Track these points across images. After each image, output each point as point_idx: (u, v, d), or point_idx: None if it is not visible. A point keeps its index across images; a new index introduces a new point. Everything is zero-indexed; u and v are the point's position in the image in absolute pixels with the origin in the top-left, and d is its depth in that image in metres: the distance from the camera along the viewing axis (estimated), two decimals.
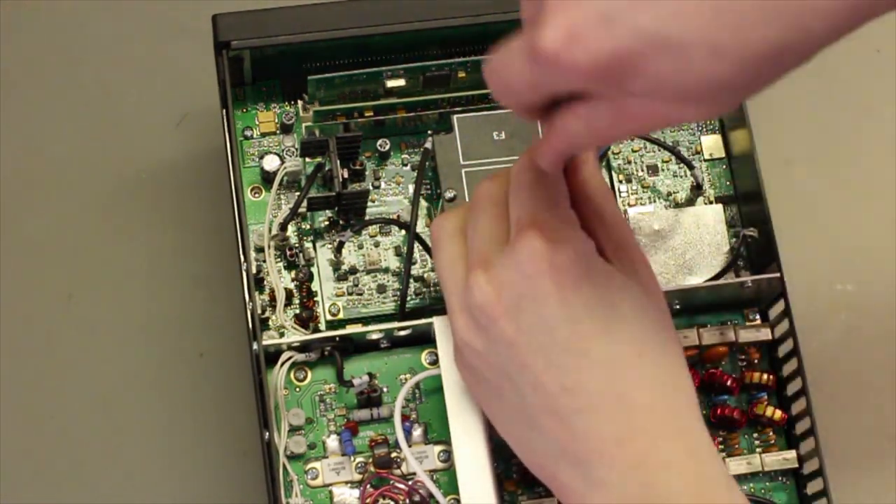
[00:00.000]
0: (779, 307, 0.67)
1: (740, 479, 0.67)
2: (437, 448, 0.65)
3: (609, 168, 0.70)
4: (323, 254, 0.68)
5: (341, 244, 0.67)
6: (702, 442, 0.54)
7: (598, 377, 0.54)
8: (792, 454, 0.66)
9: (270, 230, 0.67)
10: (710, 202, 0.70)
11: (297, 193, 0.68)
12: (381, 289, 0.68)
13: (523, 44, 0.48)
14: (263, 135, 0.69)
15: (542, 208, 0.55)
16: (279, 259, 0.67)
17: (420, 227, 0.68)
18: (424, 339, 0.65)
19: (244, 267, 0.64)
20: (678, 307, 0.67)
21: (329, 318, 0.67)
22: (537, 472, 0.57)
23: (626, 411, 0.53)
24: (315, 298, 0.67)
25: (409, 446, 0.64)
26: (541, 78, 0.48)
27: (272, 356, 0.64)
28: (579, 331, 0.54)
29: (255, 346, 0.63)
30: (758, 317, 0.69)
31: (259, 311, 0.66)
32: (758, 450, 0.67)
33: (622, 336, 0.54)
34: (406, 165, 0.70)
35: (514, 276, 0.54)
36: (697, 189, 0.70)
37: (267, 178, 0.68)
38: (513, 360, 0.55)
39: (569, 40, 0.45)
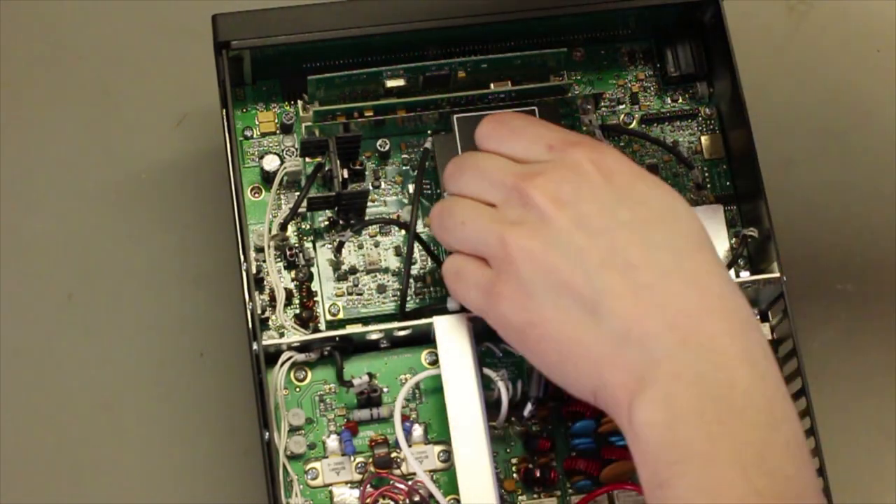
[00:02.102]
0: (779, 307, 0.67)
1: None
2: (437, 448, 0.65)
3: None
4: (323, 254, 0.68)
5: (341, 244, 0.67)
6: (771, 357, 0.56)
7: (664, 257, 0.56)
8: None
9: (270, 230, 0.67)
10: (710, 202, 0.70)
11: (297, 193, 0.68)
12: (381, 289, 0.68)
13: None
14: (263, 135, 0.69)
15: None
16: (279, 259, 0.67)
17: (420, 227, 0.68)
18: (424, 339, 0.65)
19: (244, 267, 0.64)
20: None
21: (329, 318, 0.67)
22: (587, 374, 0.57)
23: (697, 291, 0.55)
24: (315, 298, 0.67)
25: (409, 446, 0.64)
26: None
27: (272, 356, 0.64)
28: (640, 214, 0.57)
29: (255, 346, 0.63)
30: (758, 317, 0.69)
31: (259, 311, 0.66)
32: None
33: (680, 228, 0.57)
34: (406, 165, 0.70)
35: (567, 172, 0.58)
36: (697, 189, 0.70)
37: (267, 178, 0.68)
38: (577, 247, 0.56)
39: None
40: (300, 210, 0.67)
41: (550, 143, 0.60)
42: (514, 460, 0.66)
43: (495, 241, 0.58)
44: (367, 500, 0.64)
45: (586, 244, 0.56)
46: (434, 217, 0.63)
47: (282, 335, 0.66)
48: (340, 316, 0.67)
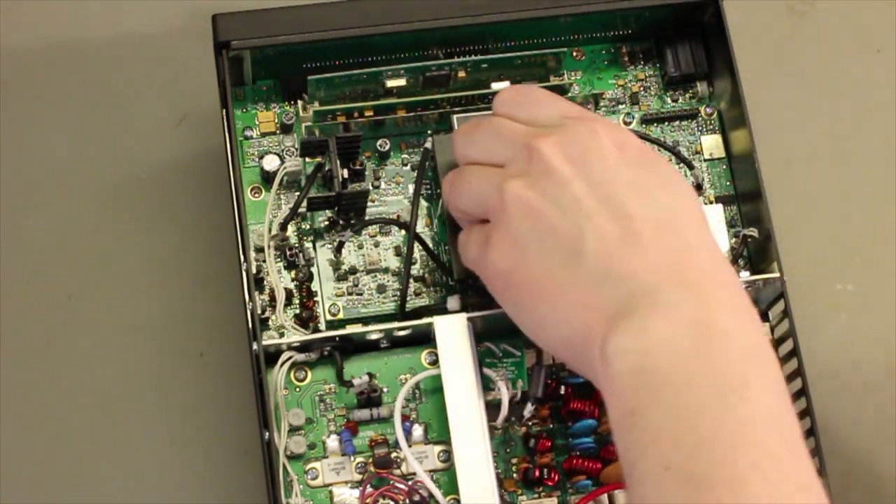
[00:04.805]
0: (779, 307, 0.67)
1: None
2: (437, 448, 0.65)
3: None
4: (323, 254, 0.68)
5: (341, 244, 0.67)
6: (754, 314, 0.56)
7: (660, 215, 0.56)
8: None
9: (270, 230, 0.67)
10: (710, 202, 0.70)
11: (297, 193, 0.68)
12: (381, 289, 0.68)
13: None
14: (263, 135, 0.69)
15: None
16: (279, 259, 0.67)
17: (420, 227, 0.68)
18: (424, 339, 0.65)
19: (244, 267, 0.64)
20: None
21: (329, 318, 0.67)
22: (561, 317, 0.56)
23: (687, 246, 0.55)
24: (315, 298, 0.67)
25: (409, 446, 0.64)
26: None
27: (272, 356, 0.64)
28: (645, 178, 0.57)
29: (255, 346, 0.63)
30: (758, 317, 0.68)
31: (259, 311, 0.66)
32: None
33: (681, 195, 0.58)
34: (406, 165, 0.70)
35: (580, 135, 0.58)
36: (697, 189, 0.70)
37: (267, 178, 0.68)
38: (572, 196, 0.57)
39: None
40: (300, 210, 0.67)
41: (567, 114, 0.60)
42: (514, 460, 0.66)
43: (494, 191, 0.59)
44: (367, 500, 0.64)
45: (583, 193, 0.57)
46: (446, 182, 0.63)
47: (282, 335, 0.66)
48: (340, 316, 0.67)
